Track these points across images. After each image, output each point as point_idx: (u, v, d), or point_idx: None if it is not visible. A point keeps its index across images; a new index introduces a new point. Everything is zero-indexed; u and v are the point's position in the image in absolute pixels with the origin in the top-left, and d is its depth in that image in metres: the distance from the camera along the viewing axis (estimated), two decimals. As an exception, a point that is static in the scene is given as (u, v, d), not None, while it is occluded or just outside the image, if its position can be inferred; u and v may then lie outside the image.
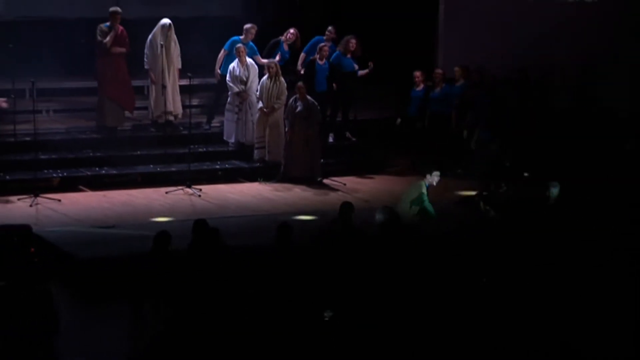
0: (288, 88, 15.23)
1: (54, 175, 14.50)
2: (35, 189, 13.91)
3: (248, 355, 9.22)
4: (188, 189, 14.45)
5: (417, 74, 15.74)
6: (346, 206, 10.92)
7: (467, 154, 15.47)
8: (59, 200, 13.81)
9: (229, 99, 15.52)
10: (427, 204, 12.92)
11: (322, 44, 15.70)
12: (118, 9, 15.26)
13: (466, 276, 10.84)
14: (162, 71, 15.39)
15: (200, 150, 15.52)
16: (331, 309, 9.80)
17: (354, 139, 16.24)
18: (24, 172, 14.39)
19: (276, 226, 10.43)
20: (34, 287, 9.19)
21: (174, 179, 14.77)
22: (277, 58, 15.57)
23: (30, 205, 13.57)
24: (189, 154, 15.01)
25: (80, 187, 14.45)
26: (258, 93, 15.22)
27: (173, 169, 15.03)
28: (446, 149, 15.39)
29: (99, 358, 9.74)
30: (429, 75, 15.88)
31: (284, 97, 15.14)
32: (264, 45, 15.89)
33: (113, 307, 10.67)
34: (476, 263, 11.14)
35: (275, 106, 15.14)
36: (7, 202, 13.72)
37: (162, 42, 15.33)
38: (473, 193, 14.22)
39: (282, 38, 15.88)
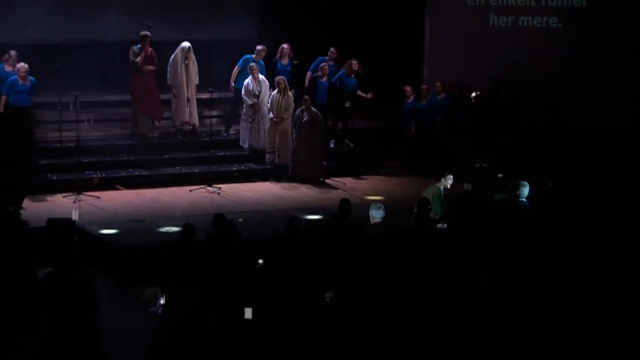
0: (295, 101, 15.19)
1: (94, 176, 14.48)
2: (77, 187, 13.94)
3: (260, 331, 9.12)
4: (209, 188, 14.47)
5: (408, 88, 15.73)
6: (345, 203, 10.91)
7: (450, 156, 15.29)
8: (98, 198, 13.83)
9: (244, 110, 15.50)
10: (436, 205, 12.58)
11: (323, 63, 15.70)
12: (148, 32, 15.24)
13: (450, 268, 10.43)
14: (184, 86, 15.38)
15: (219, 154, 15.53)
16: (331, 290, 9.75)
17: (352, 145, 16.24)
18: (68, 173, 14.38)
19: (285, 219, 10.43)
20: (77, 272, 9.28)
21: (197, 179, 14.75)
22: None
23: (74, 202, 13.58)
24: (210, 157, 15.09)
25: (117, 186, 14.46)
26: (269, 105, 15.21)
27: (196, 170, 15.01)
28: (431, 152, 15.32)
29: (132, 334, 9.72)
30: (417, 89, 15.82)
31: (291, 109, 15.13)
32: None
33: (143, 291, 10.53)
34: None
35: (284, 116, 15.14)
36: (54, 199, 13.73)
37: (183, 62, 15.31)
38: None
39: (278, 55, 15.82)
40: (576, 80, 16.39)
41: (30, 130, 13.90)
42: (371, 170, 15.82)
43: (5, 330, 8.97)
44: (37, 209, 13.07)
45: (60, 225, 11.25)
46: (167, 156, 15.29)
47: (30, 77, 14.02)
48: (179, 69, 15.39)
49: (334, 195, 13.97)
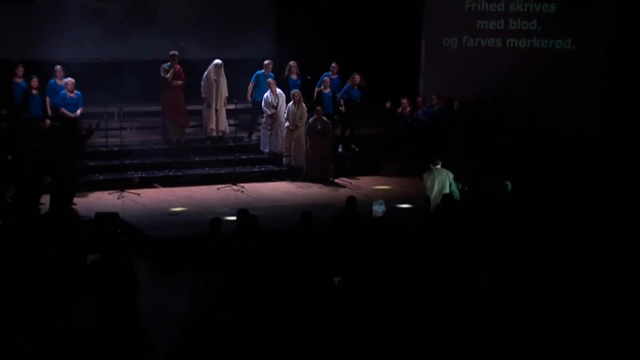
0: (307, 111, 15.21)
1: (135, 175, 14.52)
2: (121, 186, 13.98)
3: (277, 310, 9.13)
4: (234, 186, 14.50)
5: (404, 100, 15.74)
6: (351, 199, 10.93)
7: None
8: (139, 194, 13.89)
9: (264, 119, 15.51)
10: (456, 189, 12.61)
11: (326, 77, 15.71)
12: (176, 52, 15.25)
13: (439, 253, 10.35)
14: (214, 98, 15.42)
15: (243, 157, 15.54)
16: (339, 275, 9.80)
17: (357, 149, 16.24)
18: (113, 173, 14.41)
19: (299, 214, 10.43)
20: (121, 259, 9.36)
21: (223, 179, 14.76)
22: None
23: (118, 198, 13.65)
24: (234, 160, 15.15)
25: (154, 184, 14.49)
26: (285, 115, 15.23)
27: (222, 171, 14.99)
28: (426, 155, 15.26)
29: (167, 313, 9.77)
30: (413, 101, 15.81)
31: (304, 118, 15.14)
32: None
33: (178, 275, 10.65)
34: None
35: (299, 124, 15.14)
36: (101, 196, 13.78)
37: (214, 77, 15.32)
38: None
39: (287, 73, 15.82)
40: (551, 91, 16.33)
41: (78, 137, 13.83)
42: (374, 171, 15.81)
43: (61, 308, 9.04)
44: (86, 204, 13.14)
45: (106, 218, 11.09)
46: (197, 159, 15.32)
47: (76, 91, 14.10)
48: (211, 84, 15.40)
49: (341, 193, 14.01)
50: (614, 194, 13.59)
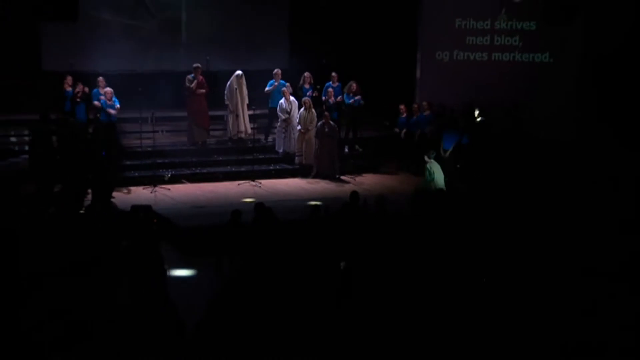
0: (317, 116, 15.25)
1: (166, 173, 14.52)
2: (153, 181, 14.03)
3: (289, 291, 9.16)
4: (252, 182, 14.52)
5: (402, 106, 15.71)
6: (354, 194, 11.03)
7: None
8: (169, 189, 13.91)
9: (278, 123, 15.52)
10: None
11: (330, 88, 15.65)
12: (199, 65, 15.30)
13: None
14: (237, 105, 15.47)
15: (260, 156, 15.53)
16: (345, 261, 9.80)
17: (360, 150, 16.24)
18: (147, 170, 14.42)
19: (309, 206, 10.63)
20: (151, 245, 9.45)
21: (243, 176, 14.76)
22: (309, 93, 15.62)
23: (151, 193, 13.68)
24: (253, 159, 15.16)
25: (183, 180, 14.51)
26: (298, 119, 15.28)
27: (242, 169, 15.00)
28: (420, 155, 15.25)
29: (193, 293, 9.73)
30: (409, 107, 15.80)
31: (314, 122, 15.18)
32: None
33: (203, 260, 10.69)
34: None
35: (309, 128, 15.18)
36: (136, 190, 13.82)
37: (236, 86, 15.38)
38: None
39: (301, 82, 15.82)
40: (531, 100, 16.25)
41: (116, 138, 13.95)
42: (375, 169, 15.80)
43: (102, 286, 9.16)
44: (123, 197, 13.20)
45: (141, 210, 11.15)
46: (220, 158, 15.34)
47: (114, 99, 14.22)
48: (234, 92, 15.45)
49: (346, 188, 13.93)
50: (588, 194, 13.49)
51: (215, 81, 15.81)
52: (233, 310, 8.70)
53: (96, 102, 14.31)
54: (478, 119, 15.37)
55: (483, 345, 8.40)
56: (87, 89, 14.35)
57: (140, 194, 13.66)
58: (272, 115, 15.83)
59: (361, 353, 8.19)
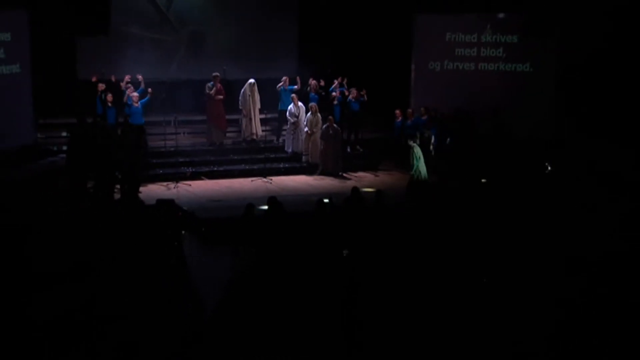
0: (322, 120, 15.26)
1: (187, 170, 14.54)
2: (176, 178, 14.06)
3: (298, 275, 9.16)
4: (264, 179, 14.55)
5: (397, 111, 15.66)
6: (355, 189, 11.02)
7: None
8: (189, 185, 13.95)
9: (287, 126, 15.53)
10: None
11: (334, 93, 15.66)
12: (218, 73, 15.34)
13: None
14: (249, 109, 15.49)
15: (271, 156, 15.49)
16: (347, 249, 9.82)
17: (361, 150, 16.20)
18: (170, 168, 14.46)
19: (316, 201, 10.54)
20: (172, 235, 9.41)
21: (255, 173, 14.78)
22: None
23: (174, 188, 13.73)
24: (265, 158, 15.13)
25: (202, 177, 14.50)
26: (305, 122, 15.28)
27: (255, 167, 15.01)
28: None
29: (211, 277, 9.62)
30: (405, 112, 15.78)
31: (320, 125, 15.18)
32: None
33: (220, 248, 10.67)
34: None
35: (315, 130, 15.18)
36: (160, 186, 13.86)
37: (249, 93, 15.40)
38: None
39: (308, 88, 15.78)
40: (513, 105, 16.26)
41: (144, 139, 13.99)
42: (374, 168, 15.77)
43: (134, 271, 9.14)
44: (149, 192, 13.22)
45: (165, 204, 11.34)
46: (235, 157, 15.32)
47: (140, 101, 14.11)
48: (247, 98, 15.47)
49: (348, 184, 13.90)
50: (565, 188, 13.47)
51: (231, 88, 15.78)
52: (248, 294, 8.71)
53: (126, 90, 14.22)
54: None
55: (478, 329, 8.22)
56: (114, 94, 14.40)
57: (164, 189, 13.70)
58: (282, 117, 15.82)
59: (363, 332, 8.16)
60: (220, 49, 17.69)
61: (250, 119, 15.52)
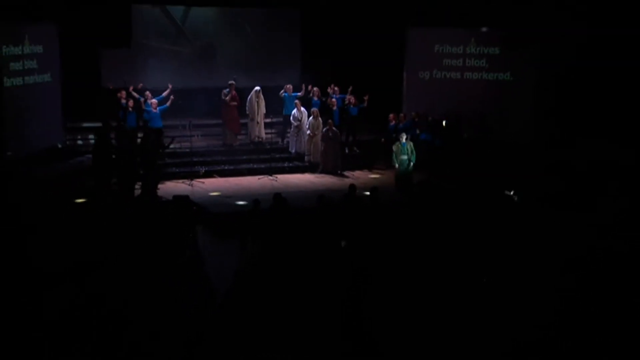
0: (322, 123, 15.24)
1: (200, 169, 14.50)
2: (190, 176, 14.05)
3: (300, 263, 9.16)
4: (270, 177, 14.53)
5: (391, 115, 15.62)
6: (352, 186, 11.01)
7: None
8: (203, 182, 13.92)
9: (291, 129, 15.53)
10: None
11: (333, 99, 15.62)
12: (233, 81, 15.37)
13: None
14: (255, 114, 15.48)
15: (276, 156, 15.52)
16: (345, 240, 9.83)
17: (357, 151, 16.15)
18: (185, 167, 14.44)
19: (316, 196, 10.50)
20: (187, 229, 9.39)
21: (262, 171, 14.75)
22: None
23: (188, 185, 13.71)
24: (270, 157, 15.20)
25: (214, 175, 14.47)
26: (307, 125, 15.27)
27: (262, 166, 14.98)
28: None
29: (222, 267, 9.59)
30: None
31: (320, 128, 15.16)
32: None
33: (230, 240, 10.64)
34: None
35: (316, 133, 15.17)
36: (176, 183, 13.84)
37: (255, 99, 15.40)
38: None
39: (311, 94, 15.75)
40: (495, 111, 16.24)
41: (162, 141, 13.93)
42: (369, 167, 15.72)
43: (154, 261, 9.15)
44: (166, 189, 13.20)
45: (181, 199, 11.34)
46: (244, 157, 15.28)
47: (159, 107, 14.10)
48: (253, 103, 15.48)
49: (346, 182, 13.69)
50: (543, 187, 13.43)
51: (240, 96, 15.75)
52: (255, 280, 8.72)
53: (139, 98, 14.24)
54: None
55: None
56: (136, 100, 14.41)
57: (180, 186, 13.64)
58: (286, 121, 15.81)
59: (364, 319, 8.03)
60: (230, 59, 17.68)
61: (257, 123, 15.54)
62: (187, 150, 14.88)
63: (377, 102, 16.13)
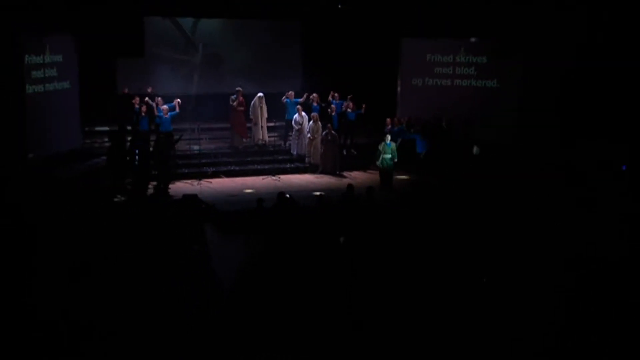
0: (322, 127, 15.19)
1: (208, 169, 14.47)
2: (199, 176, 13.99)
3: (299, 259, 9.08)
4: (273, 177, 14.49)
5: (388, 120, 15.51)
6: (350, 186, 10.98)
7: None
8: (210, 182, 13.87)
9: (293, 132, 15.47)
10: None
11: (333, 105, 15.58)
12: (240, 88, 15.32)
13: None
14: (258, 118, 15.44)
15: (279, 157, 15.46)
16: (343, 237, 9.76)
17: (355, 153, 16.10)
18: (194, 168, 14.39)
19: (316, 195, 10.67)
20: (199, 224, 9.31)
21: (266, 172, 14.71)
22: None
23: (197, 184, 13.63)
24: (273, 159, 15.14)
25: (221, 175, 14.42)
26: (308, 129, 15.20)
27: (266, 167, 14.94)
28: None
29: (228, 261, 9.41)
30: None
31: (320, 131, 15.10)
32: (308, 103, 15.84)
33: (236, 236, 10.46)
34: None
35: (316, 136, 15.11)
36: (185, 183, 13.76)
37: (259, 104, 15.35)
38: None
39: (311, 100, 15.68)
40: (482, 115, 16.19)
41: (172, 144, 13.93)
42: (365, 168, 15.60)
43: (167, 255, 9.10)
44: (177, 188, 13.16)
45: (190, 198, 11.31)
46: (249, 159, 15.25)
47: (170, 113, 14.06)
48: (256, 108, 15.43)
49: (344, 182, 13.65)
50: (524, 187, 13.39)
51: (245, 102, 15.67)
52: (260, 276, 8.67)
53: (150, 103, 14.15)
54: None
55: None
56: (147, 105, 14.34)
57: (188, 185, 13.55)
58: (288, 125, 15.77)
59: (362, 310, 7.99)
60: (235, 67, 17.59)
61: (260, 127, 15.50)
62: (196, 151, 14.81)
63: (373, 108, 16.05)
